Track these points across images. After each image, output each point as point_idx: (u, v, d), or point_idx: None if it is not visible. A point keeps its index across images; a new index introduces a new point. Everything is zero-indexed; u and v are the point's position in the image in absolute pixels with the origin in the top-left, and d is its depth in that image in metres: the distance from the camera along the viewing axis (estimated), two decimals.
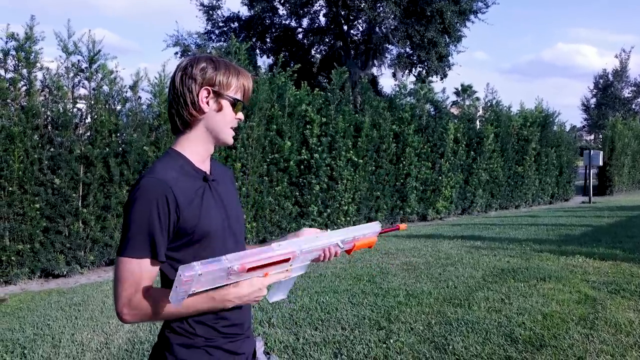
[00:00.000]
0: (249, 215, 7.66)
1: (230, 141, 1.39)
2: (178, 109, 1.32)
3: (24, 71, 5.79)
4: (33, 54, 5.81)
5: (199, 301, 1.20)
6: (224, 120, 1.35)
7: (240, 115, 1.39)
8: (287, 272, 1.29)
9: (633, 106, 39.60)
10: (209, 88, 1.32)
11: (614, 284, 4.82)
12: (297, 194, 8.49)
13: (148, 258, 1.21)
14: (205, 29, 20.75)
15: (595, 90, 41.23)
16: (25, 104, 5.80)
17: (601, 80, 40.48)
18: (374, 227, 1.54)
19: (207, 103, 1.33)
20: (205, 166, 1.37)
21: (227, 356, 1.32)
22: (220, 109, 1.34)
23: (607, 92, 39.60)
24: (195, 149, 1.34)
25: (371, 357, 3.24)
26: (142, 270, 1.21)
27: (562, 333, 3.57)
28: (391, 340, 3.48)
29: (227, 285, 1.18)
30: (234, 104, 1.35)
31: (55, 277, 6.00)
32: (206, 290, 1.17)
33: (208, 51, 18.89)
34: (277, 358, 1.57)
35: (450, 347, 3.35)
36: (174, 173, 1.27)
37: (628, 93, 40.06)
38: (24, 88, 5.83)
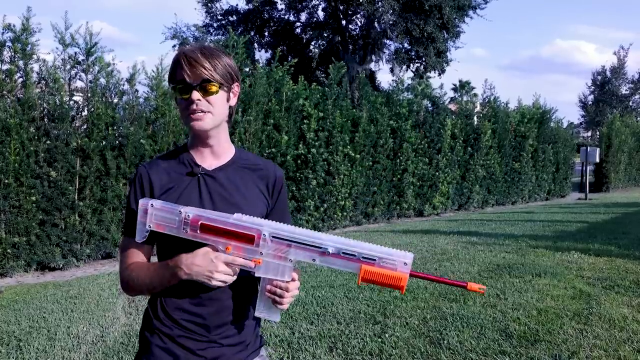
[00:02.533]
0: None
1: (194, 127, 1.28)
2: None
3: (20, 63, 5.76)
4: (29, 46, 5.78)
5: (158, 268, 1.26)
6: (180, 111, 1.33)
7: (193, 95, 1.26)
8: (255, 261, 1.19)
9: (630, 103, 39.70)
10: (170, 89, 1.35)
11: (608, 279, 4.85)
12: (294, 188, 8.48)
13: (131, 237, 1.31)
14: (204, 22, 20.70)
15: (593, 87, 41.32)
16: (21, 96, 5.77)
17: (599, 77, 40.57)
18: (401, 256, 1.15)
19: (176, 100, 1.35)
20: (210, 159, 1.34)
21: (181, 350, 1.29)
22: (177, 101, 1.33)
23: (604, 89, 39.70)
24: (194, 143, 1.36)
25: (366, 351, 3.25)
26: (127, 249, 1.33)
27: (556, 328, 3.59)
28: (386, 335, 3.49)
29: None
30: (177, 90, 1.29)
31: (52, 270, 5.99)
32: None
33: (206, 44, 18.84)
34: None
35: (445, 341, 3.37)
36: (165, 164, 1.35)
37: (625, 90, 40.17)
38: (20, 80, 5.80)
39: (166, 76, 6.98)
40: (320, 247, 1.17)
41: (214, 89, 1.28)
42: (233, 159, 1.37)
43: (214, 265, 1.17)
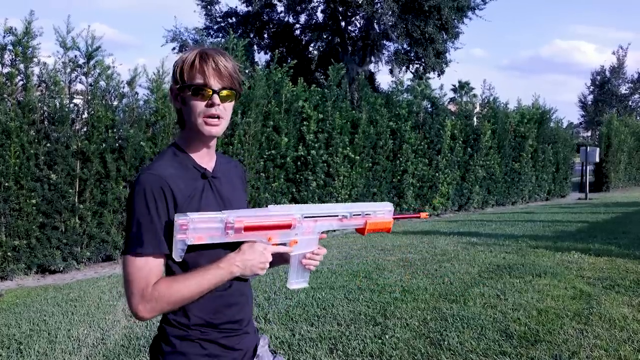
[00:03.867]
0: None
1: (206, 131, 1.28)
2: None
3: (21, 66, 5.77)
4: (30, 49, 5.79)
5: (207, 272, 1.23)
6: (191, 112, 1.28)
7: (214, 99, 1.26)
8: (293, 244, 1.32)
9: (630, 103, 39.71)
10: (172, 87, 1.30)
11: (608, 279, 4.85)
12: (294, 190, 8.49)
13: (152, 253, 1.23)
14: (204, 24, 20.71)
15: (592, 87, 41.34)
16: (21, 99, 5.78)
17: (598, 77, 40.58)
18: (385, 206, 1.47)
19: (178, 99, 1.31)
20: (207, 162, 1.35)
21: (222, 350, 1.32)
22: (185, 102, 1.28)
23: (604, 89, 39.71)
24: (193, 145, 1.33)
25: (367, 352, 3.26)
26: (149, 266, 1.22)
27: (556, 328, 3.60)
28: (387, 336, 3.50)
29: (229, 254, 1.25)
30: (194, 91, 1.26)
31: (52, 273, 5.99)
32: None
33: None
34: (282, 358, 1.56)
35: (446, 342, 3.37)
36: (172, 169, 1.28)
37: (625, 90, 40.17)
38: (21, 83, 5.81)
39: (167, 78, 6.99)
40: (338, 215, 1.39)
41: (231, 96, 1.31)
42: (218, 160, 1.41)
43: (265, 257, 1.26)
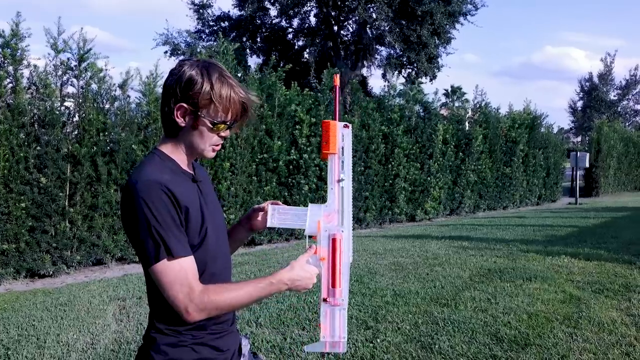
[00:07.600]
0: (237, 215, 7.65)
1: (210, 156, 1.36)
2: (162, 116, 1.33)
3: (10, 68, 5.73)
4: (19, 51, 5.75)
5: (258, 285, 1.30)
6: (200, 139, 1.31)
7: (226, 133, 1.34)
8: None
9: (618, 109, 40.16)
10: (185, 106, 1.28)
11: (598, 283, 4.89)
12: (286, 194, 8.48)
13: (184, 255, 1.24)
14: (196, 27, 20.69)
15: (581, 94, 41.79)
16: (11, 101, 5.74)
17: (587, 84, 41.04)
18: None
19: (184, 119, 1.30)
20: (188, 167, 1.39)
21: (213, 352, 1.34)
22: (196, 127, 1.30)
23: (592, 95, 40.15)
24: (180, 154, 1.35)
25: (358, 356, 3.26)
26: (186, 268, 1.24)
27: (546, 332, 3.62)
28: (378, 340, 3.50)
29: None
30: (214, 125, 1.30)
31: (41, 277, 5.94)
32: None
33: (198, 50, 18.81)
34: (264, 358, 1.57)
35: (437, 346, 3.38)
36: (167, 175, 1.27)
37: (614, 96, 40.63)
38: (10, 85, 5.77)
39: (159, 82, 6.97)
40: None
41: None
42: (194, 164, 1.44)
43: (310, 280, 1.36)
